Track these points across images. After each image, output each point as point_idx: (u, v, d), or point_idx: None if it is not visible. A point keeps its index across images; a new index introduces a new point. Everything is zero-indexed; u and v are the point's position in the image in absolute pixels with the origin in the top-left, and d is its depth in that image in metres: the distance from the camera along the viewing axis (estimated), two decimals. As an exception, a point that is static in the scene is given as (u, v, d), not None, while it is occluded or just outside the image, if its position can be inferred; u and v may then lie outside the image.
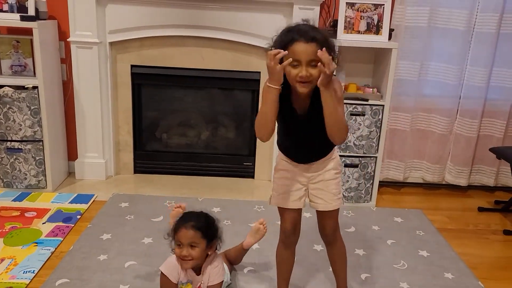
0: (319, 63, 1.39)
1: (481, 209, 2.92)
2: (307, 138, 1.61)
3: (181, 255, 1.63)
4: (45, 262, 2.07)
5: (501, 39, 2.88)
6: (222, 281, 1.76)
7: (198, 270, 1.73)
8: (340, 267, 1.84)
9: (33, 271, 1.99)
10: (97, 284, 1.93)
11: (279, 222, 2.53)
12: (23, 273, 1.97)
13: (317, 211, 1.73)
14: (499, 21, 2.81)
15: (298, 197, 1.70)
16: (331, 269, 1.89)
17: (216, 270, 1.73)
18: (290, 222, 1.73)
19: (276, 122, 1.56)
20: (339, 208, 1.71)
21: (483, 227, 2.69)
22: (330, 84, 1.43)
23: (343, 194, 1.78)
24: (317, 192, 1.68)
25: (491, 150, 2.86)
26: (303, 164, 1.66)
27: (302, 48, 1.40)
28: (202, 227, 1.65)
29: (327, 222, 1.73)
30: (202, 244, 1.64)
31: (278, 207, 1.74)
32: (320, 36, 1.42)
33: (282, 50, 1.40)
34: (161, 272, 1.70)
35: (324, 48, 1.38)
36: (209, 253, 1.70)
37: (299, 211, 1.74)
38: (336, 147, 1.69)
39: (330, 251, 1.82)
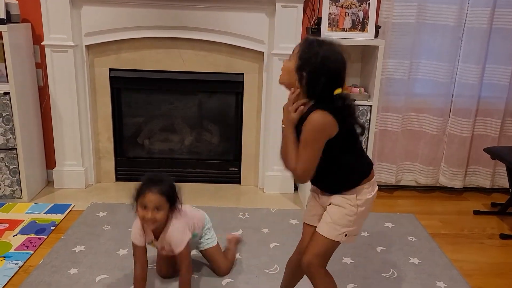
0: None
1: (476, 212, 2.79)
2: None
3: (146, 217, 1.66)
4: (12, 277, 1.95)
5: (494, 34, 2.77)
6: (189, 240, 1.78)
7: (157, 234, 1.76)
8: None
9: (-3, 287, 1.87)
10: (64, 300, 1.82)
11: (266, 230, 2.43)
12: (-14, 290, 1.85)
13: None
14: (491, 15, 2.70)
15: (314, 214, 1.59)
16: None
17: (175, 237, 1.74)
18: (305, 239, 1.60)
19: None
20: (329, 241, 1.48)
21: (478, 231, 2.57)
22: (291, 124, 1.41)
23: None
24: (324, 213, 1.53)
25: (486, 150, 2.74)
26: (316, 187, 1.58)
27: None
28: (167, 191, 1.69)
29: (308, 246, 1.52)
30: (165, 207, 1.69)
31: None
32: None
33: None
34: (132, 242, 1.77)
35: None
36: (169, 215, 1.74)
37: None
38: (358, 189, 1.48)
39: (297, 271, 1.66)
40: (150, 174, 1.74)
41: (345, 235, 1.49)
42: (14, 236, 2.29)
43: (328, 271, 1.53)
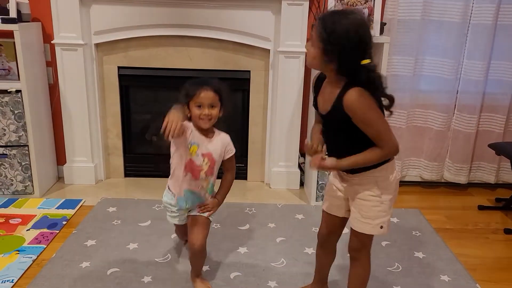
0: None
1: (481, 208, 2.82)
2: (331, 138, 1.53)
3: (203, 114, 1.70)
4: (26, 270, 2.01)
5: (499, 30, 2.78)
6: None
7: (207, 133, 1.78)
8: (350, 285, 1.70)
9: (12, 280, 1.93)
10: (77, 292, 1.87)
11: (272, 225, 2.48)
12: (1, 282, 1.91)
13: None
14: (496, 12, 2.71)
15: (337, 204, 1.63)
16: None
17: (229, 141, 1.84)
18: (325, 227, 1.69)
19: None
20: (366, 235, 1.56)
21: (482, 226, 2.59)
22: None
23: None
24: (352, 208, 1.58)
25: (490, 146, 2.76)
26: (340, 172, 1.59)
27: None
28: (219, 89, 1.74)
29: (352, 238, 1.61)
30: (219, 105, 1.73)
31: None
32: None
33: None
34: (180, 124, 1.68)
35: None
36: (220, 115, 1.77)
37: (339, 220, 1.66)
38: (388, 165, 1.49)
39: (350, 267, 1.69)
40: (202, 78, 1.80)
41: (381, 227, 1.53)
42: (27, 230, 2.35)
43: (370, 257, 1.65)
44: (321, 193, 2.72)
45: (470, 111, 2.92)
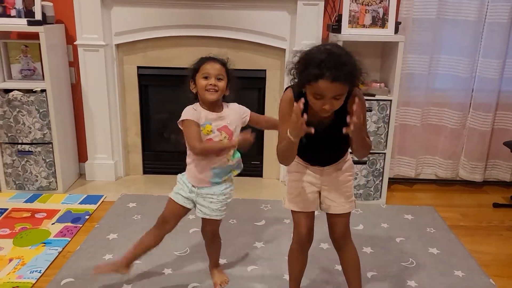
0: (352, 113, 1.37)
1: (496, 205, 2.83)
2: (324, 147, 1.56)
3: (210, 84, 1.69)
4: (52, 262, 2.11)
5: (514, 29, 2.78)
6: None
7: (215, 108, 1.75)
8: (352, 274, 1.72)
9: (40, 270, 2.02)
10: (102, 283, 1.95)
11: (288, 221, 2.53)
12: (30, 272, 2.00)
13: (327, 214, 1.67)
14: (511, 11, 2.72)
15: (312, 200, 1.65)
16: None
17: (238, 107, 1.81)
18: (305, 226, 1.66)
19: None
20: (350, 212, 1.66)
21: (497, 224, 2.61)
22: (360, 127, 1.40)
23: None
24: (330, 195, 1.63)
25: (505, 144, 2.76)
26: (317, 167, 1.62)
27: (326, 87, 1.33)
28: (226, 64, 1.75)
29: (338, 225, 1.66)
30: (225, 79, 1.73)
31: (292, 211, 1.67)
32: (347, 72, 1.33)
33: (302, 102, 1.35)
34: (186, 120, 1.72)
35: (357, 101, 1.35)
36: (225, 93, 1.76)
37: (313, 215, 1.69)
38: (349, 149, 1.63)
39: (342, 256, 1.72)
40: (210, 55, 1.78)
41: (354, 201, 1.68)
42: (52, 224, 2.45)
43: None
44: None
45: (485, 109, 2.93)
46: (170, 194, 1.85)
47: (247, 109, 1.85)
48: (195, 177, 1.80)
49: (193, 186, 1.80)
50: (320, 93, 1.35)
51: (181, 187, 1.83)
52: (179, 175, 1.87)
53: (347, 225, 1.68)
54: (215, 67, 1.71)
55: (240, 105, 1.84)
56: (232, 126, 1.76)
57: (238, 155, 1.84)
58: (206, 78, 1.70)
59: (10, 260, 2.10)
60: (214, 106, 1.74)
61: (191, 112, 1.72)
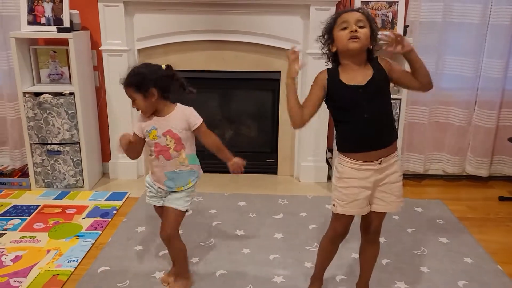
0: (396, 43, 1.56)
1: (502, 198, 2.96)
2: (373, 115, 1.58)
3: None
4: (87, 252, 2.26)
5: (517, 30, 2.92)
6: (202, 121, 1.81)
7: (160, 114, 1.79)
8: (370, 266, 1.86)
9: (77, 260, 2.17)
10: (135, 270, 2.10)
11: (304, 214, 2.67)
12: (68, 262, 2.15)
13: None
14: (513, 13, 2.86)
15: (365, 204, 1.68)
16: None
17: (189, 113, 1.80)
18: (344, 226, 1.73)
19: (334, 119, 1.69)
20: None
21: (503, 215, 2.74)
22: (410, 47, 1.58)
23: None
24: (381, 195, 1.67)
25: (510, 140, 2.90)
26: (374, 163, 1.61)
27: (348, 14, 1.59)
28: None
29: (375, 221, 1.73)
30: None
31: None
32: (362, 11, 1.61)
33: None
34: (132, 134, 1.80)
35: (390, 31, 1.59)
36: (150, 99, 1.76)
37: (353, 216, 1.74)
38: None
39: (367, 249, 1.82)
40: None
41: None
42: (82, 219, 2.60)
43: None
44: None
45: (490, 107, 3.07)
46: (148, 201, 1.92)
47: (199, 120, 1.80)
48: (156, 177, 1.85)
49: (158, 187, 1.86)
50: (345, 20, 1.56)
51: (149, 192, 1.90)
52: (146, 178, 1.92)
53: (380, 224, 1.76)
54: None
55: (192, 113, 1.80)
56: (177, 130, 1.76)
57: (194, 161, 1.86)
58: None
59: (48, 251, 2.25)
60: (160, 111, 1.79)
61: (134, 126, 1.83)
